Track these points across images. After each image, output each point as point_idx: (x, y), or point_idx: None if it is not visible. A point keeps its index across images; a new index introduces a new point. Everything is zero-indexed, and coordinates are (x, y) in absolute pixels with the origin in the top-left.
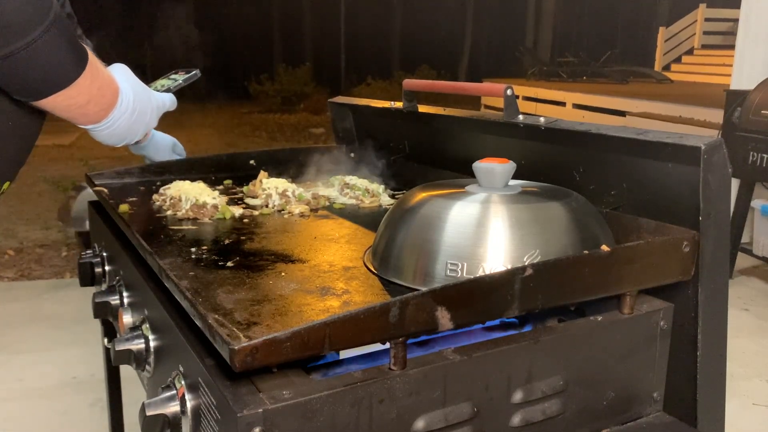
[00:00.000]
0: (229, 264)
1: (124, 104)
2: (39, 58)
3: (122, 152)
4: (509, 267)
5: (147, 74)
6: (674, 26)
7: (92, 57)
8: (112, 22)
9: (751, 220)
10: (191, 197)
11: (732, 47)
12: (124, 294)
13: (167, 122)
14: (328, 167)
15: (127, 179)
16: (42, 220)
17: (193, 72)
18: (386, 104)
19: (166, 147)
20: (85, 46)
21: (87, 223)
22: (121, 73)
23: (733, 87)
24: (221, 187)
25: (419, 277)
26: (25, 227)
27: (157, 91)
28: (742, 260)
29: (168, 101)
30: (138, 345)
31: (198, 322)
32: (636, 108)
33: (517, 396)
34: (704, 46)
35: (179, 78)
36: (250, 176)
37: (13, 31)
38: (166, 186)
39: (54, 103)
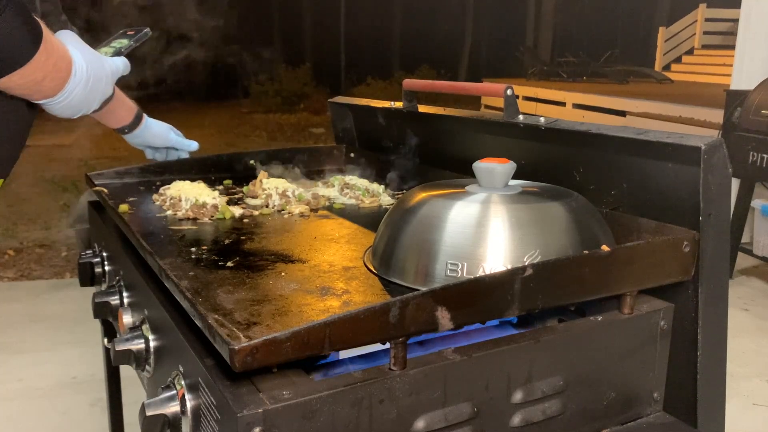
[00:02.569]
0: (229, 264)
1: (78, 75)
2: None
3: (122, 152)
4: (509, 267)
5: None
6: (674, 26)
7: (46, 31)
8: (111, 22)
9: (751, 220)
10: (191, 197)
11: (732, 47)
12: (124, 294)
13: (168, 123)
14: (328, 167)
15: (127, 179)
16: (42, 220)
17: (144, 31)
18: (386, 104)
19: (163, 132)
20: (38, 19)
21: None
22: (71, 41)
23: (733, 87)
24: (221, 187)
25: (419, 277)
26: (25, 227)
27: (107, 55)
28: (742, 260)
29: (122, 65)
30: (138, 345)
31: (198, 322)
32: (636, 108)
33: (517, 396)
34: (704, 46)
35: (129, 39)
36: (250, 176)
37: None
38: (166, 186)
39: (9, 82)
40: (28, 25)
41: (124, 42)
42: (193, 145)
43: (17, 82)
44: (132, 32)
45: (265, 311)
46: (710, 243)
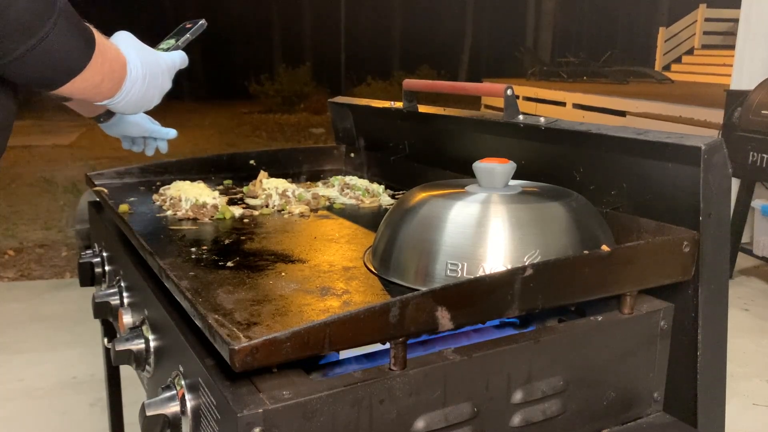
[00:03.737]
0: (229, 264)
1: (133, 74)
2: (53, 49)
3: (122, 152)
4: (509, 267)
5: None
6: (674, 26)
7: (98, 34)
8: (113, 22)
9: (751, 220)
10: (191, 197)
11: (732, 47)
12: (124, 294)
13: (167, 123)
14: (328, 167)
15: (127, 179)
16: (42, 220)
17: (200, 23)
18: (386, 104)
19: (140, 120)
20: (88, 24)
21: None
22: (125, 41)
23: (733, 87)
24: (221, 187)
25: (419, 277)
26: (25, 227)
27: (166, 50)
28: (742, 260)
29: (178, 59)
30: (138, 345)
31: (198, 322)
32: (636, 108)
33: (517, 396)
34: (704, 46)
35: (186, 32)
36: (250, 176)
37: (26, 30)
38: (166, 186)
39: (71, 88)
40: (80, 31)
41: (181, 35)
42: (171, 133)
43: (78, 87)
44: (190, 25)
45: (265, 311)
46: (710, 243)
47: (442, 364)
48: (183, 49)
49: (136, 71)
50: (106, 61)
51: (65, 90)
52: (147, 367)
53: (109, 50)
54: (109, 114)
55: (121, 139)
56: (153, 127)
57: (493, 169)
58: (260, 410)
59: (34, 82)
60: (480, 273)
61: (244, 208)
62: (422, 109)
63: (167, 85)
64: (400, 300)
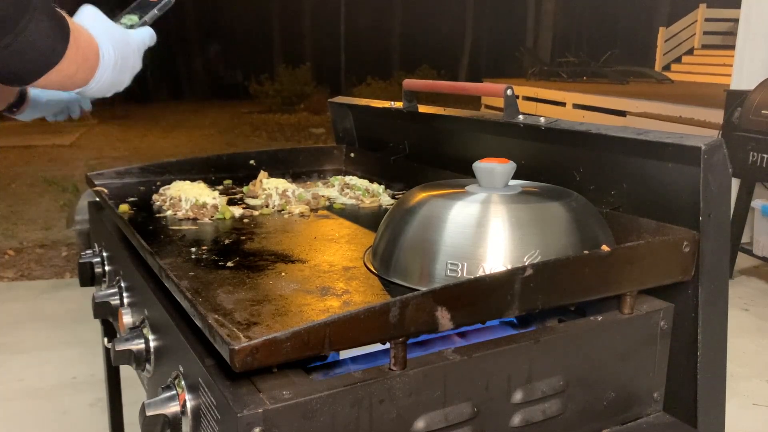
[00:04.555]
0: (229, 264)
1: (106, 59)
2: (30, 44)
3: (122, 152)
4: (509, 267)
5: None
6: (674, 26)
7: (71, 23)
8: None
9: (751, 220)
10: (191, 197)
11: (732, 47)
12: (124, 294)
13: (168, 123)
14: (328, 167)
15: (127, 179)
16: (42, 220)
17: None
18: (386, 104)
19: (56, 95)
20: (62, 12)
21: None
22: (92, 20)
23: (733, 87)
24: (221, 187)
25: (419, 277)
26: (25, 227)
27: (130, 27)
28: (742, 260)
29: (147, 38)
30: (138, 345)
31: (198, 322)
32: (636, 108)
33: (517, 396)
34: (704, 46)
35: (152, 7)
36: (250, 176)
37: (2, 27)
38: (166, 186)
39: (46, 80)
40: (56, 22)
41: (147, 10)
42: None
43: (53, 79)
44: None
45: (265, 311)
46: (710, 243)
47: (442, 364)
48: (150, 26)
49: (108, 56)
50: (80, 50)
51: (39, 83)
52: (147, 367)
53: (81, 37)
54: (19, 103)
55: (45, 116)
56: (70, 95)
57: (493, 169)
58: (260, 410)
59: (9, 77)
60: (480, 273)
61: (244, 208)
62: (422, 109)
63: (138, 66)
64: (400, 300)
